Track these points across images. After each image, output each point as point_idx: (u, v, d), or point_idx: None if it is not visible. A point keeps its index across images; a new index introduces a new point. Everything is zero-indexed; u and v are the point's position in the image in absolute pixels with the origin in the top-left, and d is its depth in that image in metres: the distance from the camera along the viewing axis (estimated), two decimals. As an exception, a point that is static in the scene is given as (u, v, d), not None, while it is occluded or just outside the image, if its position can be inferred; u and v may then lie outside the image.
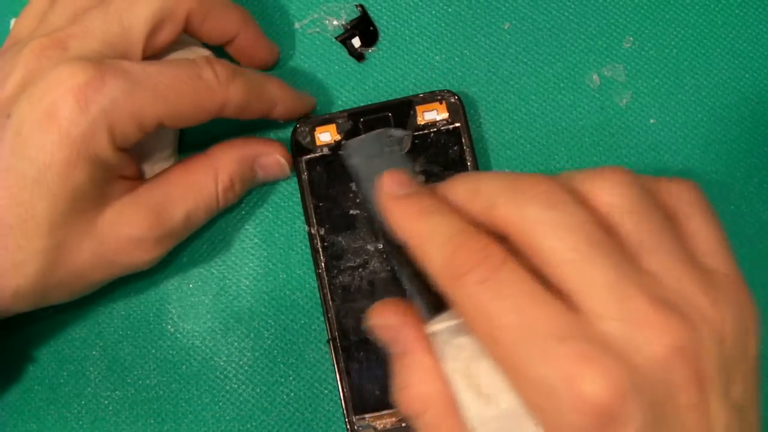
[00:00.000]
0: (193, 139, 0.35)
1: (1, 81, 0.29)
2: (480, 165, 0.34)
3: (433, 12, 0.36)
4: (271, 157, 0.33)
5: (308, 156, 0.34)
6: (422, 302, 0.26)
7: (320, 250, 0.33)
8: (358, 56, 0.36)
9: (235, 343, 0.34)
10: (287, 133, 0.35)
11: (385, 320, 0.27)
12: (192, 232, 0.32)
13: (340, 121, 0.34)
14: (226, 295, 0.35)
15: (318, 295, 0.33)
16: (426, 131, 0.34)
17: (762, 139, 0.36)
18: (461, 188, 0.26)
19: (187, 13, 0.30)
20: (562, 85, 0.36)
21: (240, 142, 0.33)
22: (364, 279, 0.33)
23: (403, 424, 0.32)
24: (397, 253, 0.27)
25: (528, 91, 0.36)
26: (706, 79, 0.36)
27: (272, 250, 0.35)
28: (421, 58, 0.36)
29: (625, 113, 0.36)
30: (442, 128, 0.34)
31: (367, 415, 0.32)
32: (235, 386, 0.34)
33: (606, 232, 0.23)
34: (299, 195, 0.34)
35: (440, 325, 0.26)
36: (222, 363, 0.34)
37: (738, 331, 0.23)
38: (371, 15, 0.36)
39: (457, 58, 0.36)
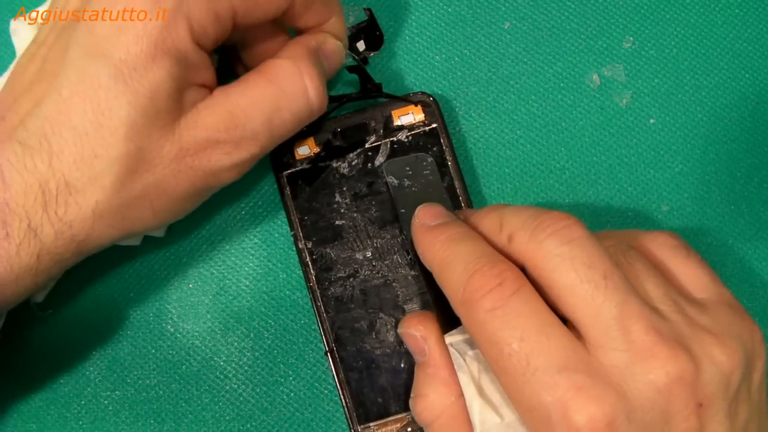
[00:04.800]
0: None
1: None
2: (464, 164, 0.34)
3: (433, 12, 0.36)
4: (329, 44, 0.31)
5: (289, 171, 0.33)
6: (445, 314, 0.28)
7: (309, 263, 0.33)
8: (361, 60, 0.35)
9: (235, 343, 0.34)
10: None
11: (413, 330, 0.29)
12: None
13: (317, 133, 0.33)
14: (226, 295, 0.34)
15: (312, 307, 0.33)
16: (403, 135, 0.33)
17: (762, 139, 0.36)
18: (486, 220, 0.27)
19: None
20: (562, 85, 0.36)
21: (297, 39, 0.31)
22: (356, 288, 0.33)
23: (409, 429, 0.32)
24: (425, 268, 0.29)
25: (528, 91, 0.36)
26: (706, 79, 0.36)
27: (272, 250, 0.35)
28: (421, 58, 0.36)
29: (625, 113, 0.36)
30: (420, 130, 0.33)
31: (372, 424, 0.32)
32: (235, 386, 0.34)
33: (616, 268, 0.24)
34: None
35: (457, 336, 0.28)
36: (222, 363, 0.34)
37: (743, 357, 0.24)
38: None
39: (457, 58, 0.36)
